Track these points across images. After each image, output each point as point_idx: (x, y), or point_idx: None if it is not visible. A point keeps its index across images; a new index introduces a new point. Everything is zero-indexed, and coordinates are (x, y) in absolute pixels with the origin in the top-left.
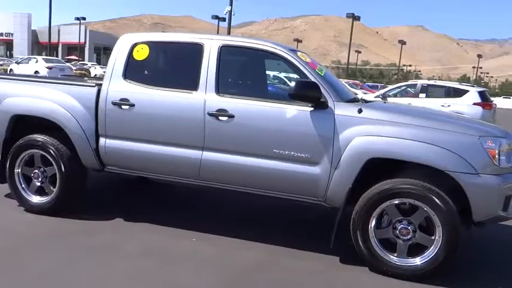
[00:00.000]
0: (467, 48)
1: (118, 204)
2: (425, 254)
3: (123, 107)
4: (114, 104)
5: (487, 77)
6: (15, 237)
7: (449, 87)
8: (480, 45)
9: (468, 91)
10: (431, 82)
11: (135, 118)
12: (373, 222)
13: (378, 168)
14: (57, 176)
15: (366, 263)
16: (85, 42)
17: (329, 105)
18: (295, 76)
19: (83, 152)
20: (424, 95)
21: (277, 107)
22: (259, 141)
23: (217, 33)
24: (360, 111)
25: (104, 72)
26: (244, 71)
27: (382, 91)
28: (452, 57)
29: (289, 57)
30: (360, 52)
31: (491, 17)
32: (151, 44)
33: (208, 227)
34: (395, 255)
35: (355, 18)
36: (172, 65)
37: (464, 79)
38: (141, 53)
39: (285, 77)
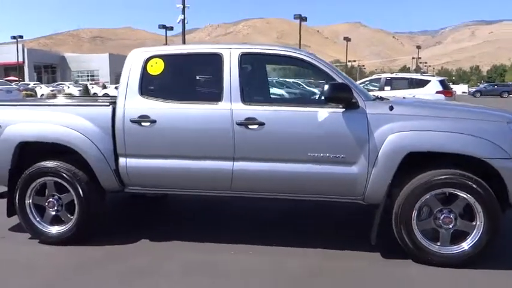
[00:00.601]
0: (402, 40)
1: (133, 224)
2: (469, 239)
3: (143, 124)
4: (132, 121)
5: (425, 66)
6: (40, 273)
7: (412, 78)
8: (414, 37)
9: (430, 81)
10: (394, 75)
11: (158, 134)
12: (415, 215)
13: (407, 162)
14: (76, 202)
15: (409, 255)
16: (23, 62)
17: (360, 105)
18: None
19: (102, 174)
20: (389, 87)
21: (308, 110)
22: (293, 146)
23: (166, 42)
24: (391, 108)
25: (79, 90)
26: (265, 78)
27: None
28: (390, 50)
29: (314, 62)
30: None
31: (423, 9)
32: (166, 58)
33: (237, 238)
34: (439, 244)
35: (302, 19)
36: (190, 78)
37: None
38: (156, 68)
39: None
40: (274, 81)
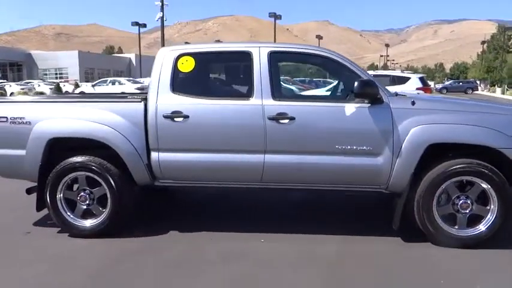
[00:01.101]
0: (369, 38)
1: (156, 217)
2: (484, 222)
3: (176, 119)
4: (165, 117)
5: (392, 63)
6: (86, 264)
7: (393, 75)
8: (380, 35)
9: (410, 78)
10: (376, 72)
11: (191, 129)
12: (435, 201)
13: (428, 153)
14: (108, 196)
15: (430, 239)
16: None
17: (384, 100)
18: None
19: (135, 169)
20: None
21: (335, 105)
22: (322, 140)
23: (139, 39)
24: (413, 103)
25: (51, 88)
26: (291, 75)
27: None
28: (358, 48)
29: (341, 60)
30: None
31: (388, 8)
32: (196, 56)
33: (260, 227)
34: (456, 227)
35: (276, 17)
36: (221, 75)
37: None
38: (186, 65)
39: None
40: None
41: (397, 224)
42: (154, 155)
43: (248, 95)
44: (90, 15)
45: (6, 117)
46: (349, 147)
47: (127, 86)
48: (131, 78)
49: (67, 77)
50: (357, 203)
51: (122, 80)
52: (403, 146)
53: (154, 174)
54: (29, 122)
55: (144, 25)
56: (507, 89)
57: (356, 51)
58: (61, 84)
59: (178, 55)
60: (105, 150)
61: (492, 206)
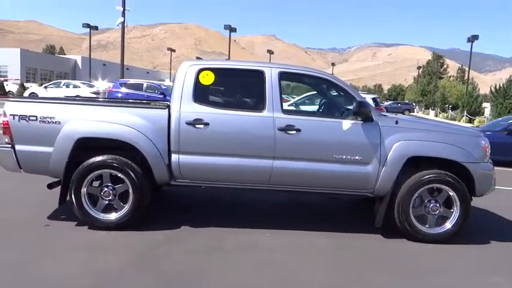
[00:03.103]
0: (314, 56)
1: (171, 213)
2: (449, 221)
3: (197, 126)
4: (188, 123)
5: None
6: (119, 254)
7: None
8: (324, 54)
9: (365, 98)
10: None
11: (210, 135)
12: (411, 204)
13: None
14: (130, 192)
15: (405, 235)
16: None
17: (374, 119)
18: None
19: (157, 168)
20: None
21: (334, 121)
22: (322, 149)
23: (90, 42)
24: (396, 122)
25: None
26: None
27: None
28: (303, 65)
29: (338, 83)
30: None
31: (332, 28)
32: (216, 70)
33: (261, 224)
34: (427, 226)
35: (231, 29)
36: (238, 89)
37: None
38: (207, 79)
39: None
40: None
41: (379, 223)
42: (174, 156)
43: (261, 108)
44: (30, 11)
45: (36, 116)
46: (344, 156)
47: (82, 89)
48: (86, 82)
49: (6, 76)
50: (343, 205)
51: (77, 82)
52: (388, 157)
53: (173, 174)
54: (59, 122)
55: (96, 27)
56: (439, 112)
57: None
58: (4, 84)
59: (200, 69)
60: (127, 151)
61: (455, 209)
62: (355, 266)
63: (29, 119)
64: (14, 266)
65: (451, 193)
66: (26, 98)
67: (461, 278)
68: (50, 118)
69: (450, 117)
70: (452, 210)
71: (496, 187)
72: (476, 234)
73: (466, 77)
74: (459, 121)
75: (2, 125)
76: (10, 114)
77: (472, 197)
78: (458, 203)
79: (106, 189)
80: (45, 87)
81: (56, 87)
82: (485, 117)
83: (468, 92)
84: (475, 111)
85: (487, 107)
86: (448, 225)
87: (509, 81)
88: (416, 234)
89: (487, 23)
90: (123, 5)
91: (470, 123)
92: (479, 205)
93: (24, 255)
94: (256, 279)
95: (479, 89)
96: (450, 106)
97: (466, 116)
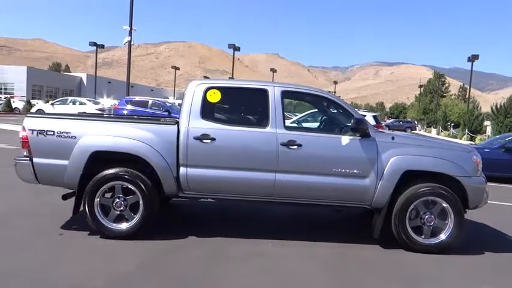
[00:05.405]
0: (316, 74)
1: (174, 225)
2: (444, 232)
3: (204, 140)
4: (195, 138)
5: None
6: (128, 261)
7: None
8: (326, 72)
9: (365, 115)
10: None
11: (216, 149)
12: (407, 216)
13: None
14: (141, 203)
15: (402, 245)
16: None
17: (371, 135)
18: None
19: (166, 180)
20: None
21: (334, 137)
22: (322, 163)
23: (96, 60)
24: (393, 138)
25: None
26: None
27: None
28: (305, 83)
29: (337, 101)
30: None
31: (335, 47)
32: (222, 89)
33: (264, 235)
34: (423, 237)
35: (235, 48)
36: (242, 106)
37: None
38: (214, 97)
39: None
40: None
41: (377, 234)
42: (183, 169)
43: (265, 124)
44: (36, 29)
45: (53, 131)
46: (343, 170)
47: (88, 106)
48: (92, 99)
49: (13, 93)
50: (344, 217)
51: (83, 100)
52: (385, 171)
53: (181, 186)
54: (74, 136)
55: (102, 46)
56: (441, 130)
57: (304, 85)
58: (11, 100)
59: (207, 88)
60: (138, 164)
61: (450, 220)
62: (354, 274)
63: (46, 134)
64: (31, 270)
65: (445, 205)
66: (44, 114)
67: (455, 286)
68: (67, 133)
69: (452, 135)
70: (446, 221)
71: (494, 202)
72: (470, 246)
73: (467, 96)
74: (460, 139)
75: (21, 140)
76: (29, 129)
77: (466, 210)
78: (452, 215)
79: (118, 200)
80: (52, 104)
81: (62, 104)
82: (486, 136)
83: (469, 110)
84: (476, 129)
85: (488, 125)
86: (443, 236)
87: (510, 100)
88: (412, 245)
89: (489, 42)
90: (130, 25)
91: (472, 141)
92: (474, 218)
93: (40, 261)
94: (257, 285)
95: (480, 107)
96: (452, 124)
97: (468, 134)
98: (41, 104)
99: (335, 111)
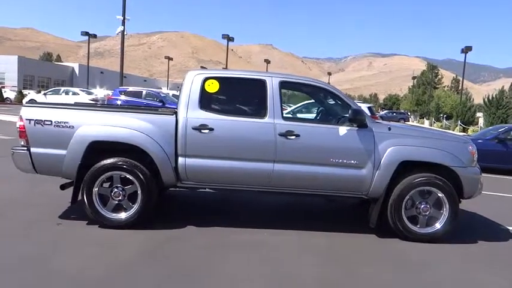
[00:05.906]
0: (310, 65)
1: (170, 215)
2: (439, 222)
3: (203, 131)
4: (194, 128)
5: None
6: (129, 249)
7: None
8: (320, 63)
9: (360, 106)
10: None
11: (215, 140)
12: (403, 206)
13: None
14: (139, 193)
15: (399, 235)
16: None
17: (369, 125)
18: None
19: (164, 171)
20: None
21: (331, 127)
22: (320, 153)
23: (88, 49)
24: (389, 129)
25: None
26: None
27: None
28: (298, 73)
29: (335, 91)
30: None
31: (328, 38)
32: (220, 79)
33: (259, 224)
34: (418, 226)
35: (229, 39)
36: (240, 96)
37: None
38: (212, 87)
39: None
40: None
41: (374, 223)
42: (181, 159)
43: (263, 114)
44: (27, 18)
45: (51, 121)
46: (340, 160)
47: (81, 96)
48: (85, 89)
49: (4, 83)
50: (341, 207)
51: (76, 90)
52: (381, 161)
53: (180, 176)
54: (72, 126)
55: (95, 36)
56: (434, 122)
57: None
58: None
59: (206, 78)
60: (136, 154)
61: (445, 210)
62: (350, 262)
63: (44, 124)
64: (31, 260)
65: (440, 195)
66: (41, 103)
67: (450, 274)
68: (64, 123)
69: (444, 126)
70: (442, 211)
71: (487, 192)
72: (464, 235)
73: (460, 87)
74: (453, 130)
75: (19, 129)
76: (26, 119)
77: (461, 200)
78: (447, 205)
79: (116, 190)
80: (45, 94)
81: (55, 94)
82: (478, 127)
83: (462, 102)
84: (468, 121)
85: (480, 116)
86: (438, 225)
87: (502, 91)
88: (408, 234)
89: (482, 34)
90: (123, 15)
91: (464, 132)
92: (468, 208)
93: (40, 250)
94: (254, 273)
95: (473, 99)
96: (445, 116)
97: (460, 125)
98: (33, 94)
99: (332, 101)
